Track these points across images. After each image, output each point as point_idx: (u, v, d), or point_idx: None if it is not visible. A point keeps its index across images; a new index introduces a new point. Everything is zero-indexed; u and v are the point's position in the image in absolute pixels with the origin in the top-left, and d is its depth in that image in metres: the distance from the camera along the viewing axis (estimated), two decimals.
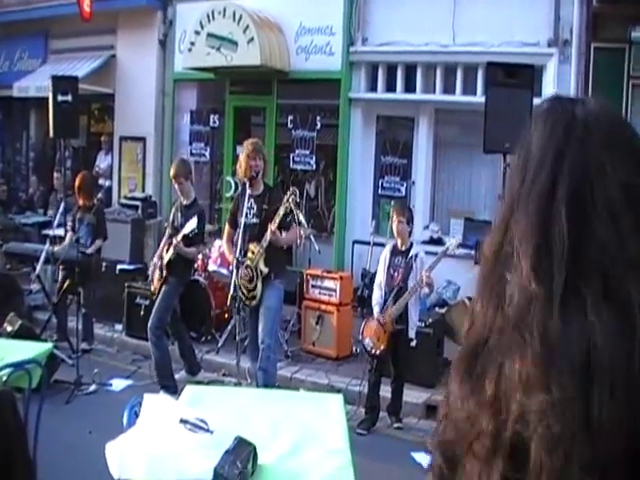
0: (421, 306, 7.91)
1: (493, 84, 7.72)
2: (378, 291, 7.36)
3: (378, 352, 7.18)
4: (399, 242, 7.33)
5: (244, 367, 7.92)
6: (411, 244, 7.36)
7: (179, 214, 8.13)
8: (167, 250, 7.98)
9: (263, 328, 7.17)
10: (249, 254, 7.19)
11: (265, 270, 7.14)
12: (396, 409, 7.34)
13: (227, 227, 7.73)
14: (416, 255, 7.19)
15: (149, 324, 7.99)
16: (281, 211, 7.00)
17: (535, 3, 9.65)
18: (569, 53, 9.56)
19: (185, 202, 8.19)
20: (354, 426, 6.80)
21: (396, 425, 7.27)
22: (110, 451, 3.34)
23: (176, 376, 8.19)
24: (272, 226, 7.00)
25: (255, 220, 7.25)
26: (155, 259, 8.29)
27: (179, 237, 7.67)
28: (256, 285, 7.20)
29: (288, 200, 7.03)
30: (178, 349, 8.56)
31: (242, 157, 7.36)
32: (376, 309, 7.27)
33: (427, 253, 7.51)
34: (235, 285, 7.20)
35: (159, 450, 3.40)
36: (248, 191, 7.31)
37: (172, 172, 8.21)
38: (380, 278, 7.37)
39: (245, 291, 7.25)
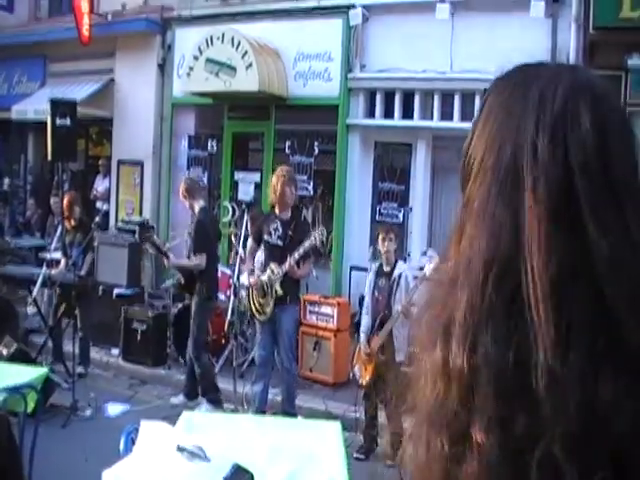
0: None
1: None
2: (365, 317, 7.35)
3: (364, 383, 7.14)
4: (384, 262, 7.28)
5: (241, 393, 7.90)
6: (395, 262, 7.28)
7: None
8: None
9: (283, 351, 7.53)
10: (268, 271, 7.47)
11: (280, 292, 7.40)
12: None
13: (251, 241, 7.88)
14: (399, 275, 7.11)
15: (188, 347, 8.30)
16: (306, 244, 7.30)
17: (532, 30, 9.72)
18: None
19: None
20: (352, 453, 6.75)
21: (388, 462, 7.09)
22: (106, 478, 3.31)
23: (174, 400, 8.21)
24: (291, 260, 7.30)
25: (279, 242, 7.54)
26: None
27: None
28: (268, 302, 7.46)
29: (315, 237, 7.32)
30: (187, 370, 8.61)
31: (278, 183, 7.56)
32: (362, 337, 7.25)
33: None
34: (233, 311, 7.30)
35: (156, 478, 3.37)
36: (277, 213, 7.62)
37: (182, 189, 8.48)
38: (367, 303, 7.36)
39: (257, 304, 7.54)
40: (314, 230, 7.50)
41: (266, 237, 7.52)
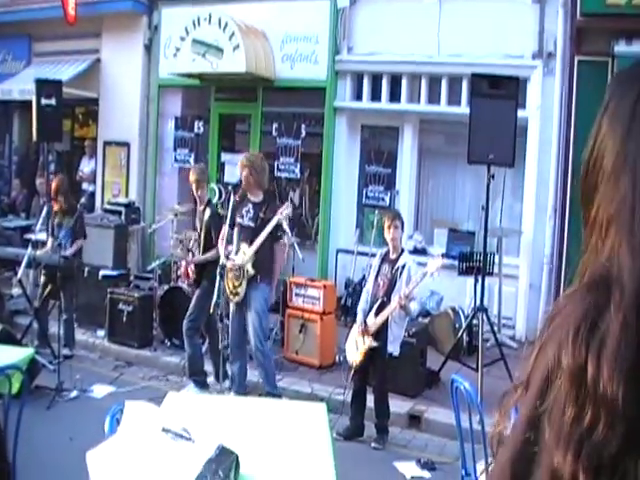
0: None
1: (477, 95, 7.78)
2: (364, 296, 7.33)
3: (354, 365, 7.15)
4: (391, 249, 7.20)
5: (227, 374, 7.95)
6: (401, 252, 7.23)
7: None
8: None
9: (252, 331, 7.57)
10: (240, 253, 7.57)
11: (251, 271, 7.50)
12: (378, 425, 7.15)
13: (226, 227, 7.82)
14: (403, 266, 7.05)
15: (184, 324, 8.26)
16: (274, 221, 7.43)
17: (520, 15, 9.73)
18: (553, 66, 9.64)
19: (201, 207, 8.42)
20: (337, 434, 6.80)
21: (373, 445, 7.03)
22: (91, 459, 3.32)
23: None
24: (261, 237, 7.44)
25: (251, 224, 7.62)
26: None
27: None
28: (241, 283, 7.55)
29: (282, 212, 7.45)
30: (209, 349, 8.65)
31: (240, 171, 7.79)
32: (359, 315, 7.22)
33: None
34: (219, 291, 7.32)
35: (140, 458, 3.38)
36: (249, 196, 7.71)
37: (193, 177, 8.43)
38: (369, 284, 7.33)
39: (231, 287, 7.63)
40: (280, 207, 7.61)
41: (239, 220, 7.62)
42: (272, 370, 7.84)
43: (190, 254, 8.76)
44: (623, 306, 0.87)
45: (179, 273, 9.61)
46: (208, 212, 8.23)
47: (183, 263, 9.42)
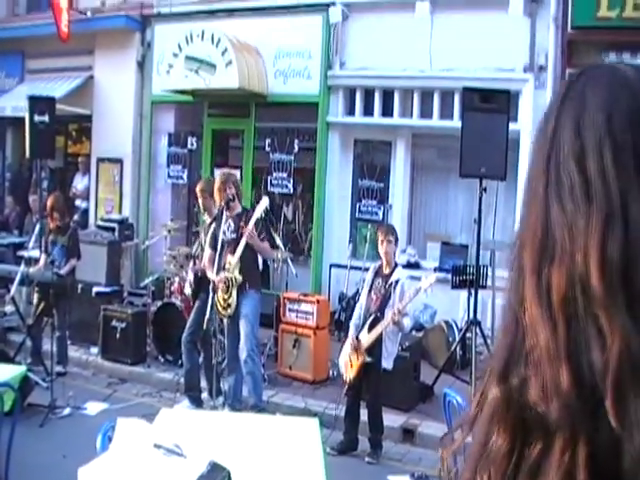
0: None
1: (469, 109, 7.81)
2: (358, 311, 7.31)
3: (347, 380, 7.14)
4: (384, 264, 7.20)
5: (220, 390, 7.93)
6: (395, 266, 7.22)
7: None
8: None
9: (244, 336, 7.55)
10: (226, 265, 7.54)
11: (239, 278, 7.49)
12: (372, 439, 7.13)
13: (208, 249, 7.83)
14: (396, 281, 7.04)
15: (183, 337, 8.22)
16: (255, 216, 7.47)
17: (511, 29, 9.78)
18: (544, 79, 9.69)
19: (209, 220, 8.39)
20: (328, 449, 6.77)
21: (367, 459, 7.01)
22: (83, 475, 3.30)
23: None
24: (248, 227, 7.40)
25: (233, 235, 7.61)
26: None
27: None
28: (231, 294, 7.54)
29: (261, 207, 7.52)
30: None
31: (215, 193, 7.79)
32: (352, 330, 7.22)
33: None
34: (212, 307, 7.33)
35: (133, 475, 3.37)
36: (226, 214, 7.63)
37: (199, 187, 8.51)
38: (362, 299, 7.33)
39: (222, 301, 7.59)
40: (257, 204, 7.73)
41: (222, 237, 7.54)
42: (260, 380, 7.85)
43: (192, 263, 8.71)
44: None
45: (172, 289, 9.62)
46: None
47: (176, 279, 9.43)
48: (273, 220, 11.35)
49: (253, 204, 11.08)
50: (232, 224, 7.63)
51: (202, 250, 8.37)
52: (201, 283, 8.23)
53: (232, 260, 7.49)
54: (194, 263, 8.64)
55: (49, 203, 9.32)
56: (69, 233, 9.14)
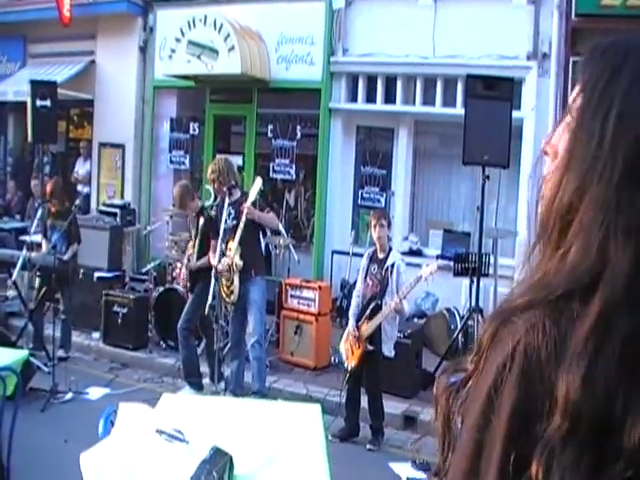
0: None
1: (472, 96, 7.79)
2: (355, 300, 7.32)
3: (349, 367, 7.16)
4: (378, 248, 7.20)
5: (222, 376, 7.95)
6: (389, 250, 7.21)
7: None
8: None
9: (253, 321, 7.61)
10: (227, 252, 7.53)
11: (240, 263, 7.47)
12: (373, 426, 7.15)
13: (212, 239, 7.84)
14: (392, 265, 7.05)
15: (179, 325, 8.20)
16: (251, 198, 7.43)
17: (515, 17, 9.73)
18: (548, 66, 9.65)
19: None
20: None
21: (368, 446, 7.04)
22: (85, 461, 3.30)
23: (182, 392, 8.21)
24: (245, 204, 7.37)
25: (234, 222, 7.56)
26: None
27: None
28: (233, 280, 7.53)
29: (255, 188, 7.49)
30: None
31: (212, 183, 7.95)
32: (351, 320, 7.22)
33: (407, 265, 7.43)
34: (214, 294, 7.33)
35: (134, 460, 3.37)
36: (227, 200, 7.60)
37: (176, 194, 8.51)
38: (358, 287, 7.33)
39: (225, 288, 7.59)
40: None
41: (223, 226, 7.53)
42: (264, 367, 7.87)
43: (186, 260, 8.72)
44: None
45: (174, 275, 9.62)
46: (202, 219, 8.27)
47: (178, 265, 9.43)
48: (275, 206, 11.36)
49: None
50: (232, 211, 7.61)
51: (194, 246, 8.40)
52: (196, 277, 8.25)
53: (232, 245, 7.48)
54: (188, 260, 8.64)
55: (48, 188, 9.32)
56: (69, 219, 9.13)
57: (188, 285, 8.47)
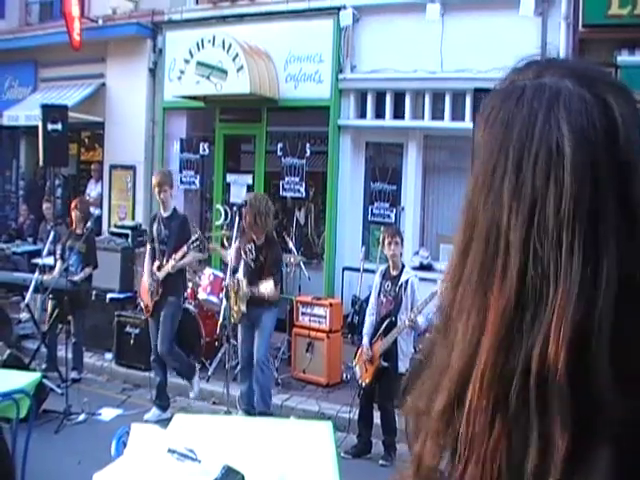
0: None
1: None
2: (369, 318, 7.30)
3: (363, 384, 7.14)
4: (391, 265, 7.19)
5: (234, 395, 7.93)
6: (402, 267, 7.20)
7: (161, 227, 8.12)
8: (159, 268, 7.97)
9: (261, 343, 7.65)
10: (241, 283, 7.63)
11: (243, 309, 7.64)
12: (386, 442, 7.11)
13: (233, 249, 8.04)
14: (406, 282, 7.04)
15: (160, 350, 8.03)
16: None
17: (522, 28, 9.74)
18: None
19: (165, 214, 8.21)
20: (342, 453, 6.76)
21: (381, 462, 7.00)
22: None
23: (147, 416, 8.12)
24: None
25: (251, 264, 7.70)
26: (145, 278, 8.21)
27: (178, 255, 7.71)
28: (240, 306, 7.66)
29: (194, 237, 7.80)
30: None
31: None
32: (365, 339, 7.21)
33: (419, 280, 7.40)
34: (225, 312, 7.35)
35: None
36: (252, 235, 7.71)
37: (156, 181, 8.23)
38: (371, 305, 7.32)
39: (235, 309, 7.69)
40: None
41: (243, 256, 7.75)
42: (269, 388, 7.87)
43: (155, 267, 8.21)
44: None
45: (185, 295, 9.61)
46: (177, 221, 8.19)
47: (190, 284, 9.43)
48: (286, 224, 11.38)
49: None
50: (253, 252, 7.71)
51: (162, 255, 8.07)
52: (164, 289, 8.02)
53: (244, 288, 7.56)
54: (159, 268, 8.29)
55: (73, 203, 9.36)
56: (85, 238, 9.15)
57: (155, 301, 8.20)
